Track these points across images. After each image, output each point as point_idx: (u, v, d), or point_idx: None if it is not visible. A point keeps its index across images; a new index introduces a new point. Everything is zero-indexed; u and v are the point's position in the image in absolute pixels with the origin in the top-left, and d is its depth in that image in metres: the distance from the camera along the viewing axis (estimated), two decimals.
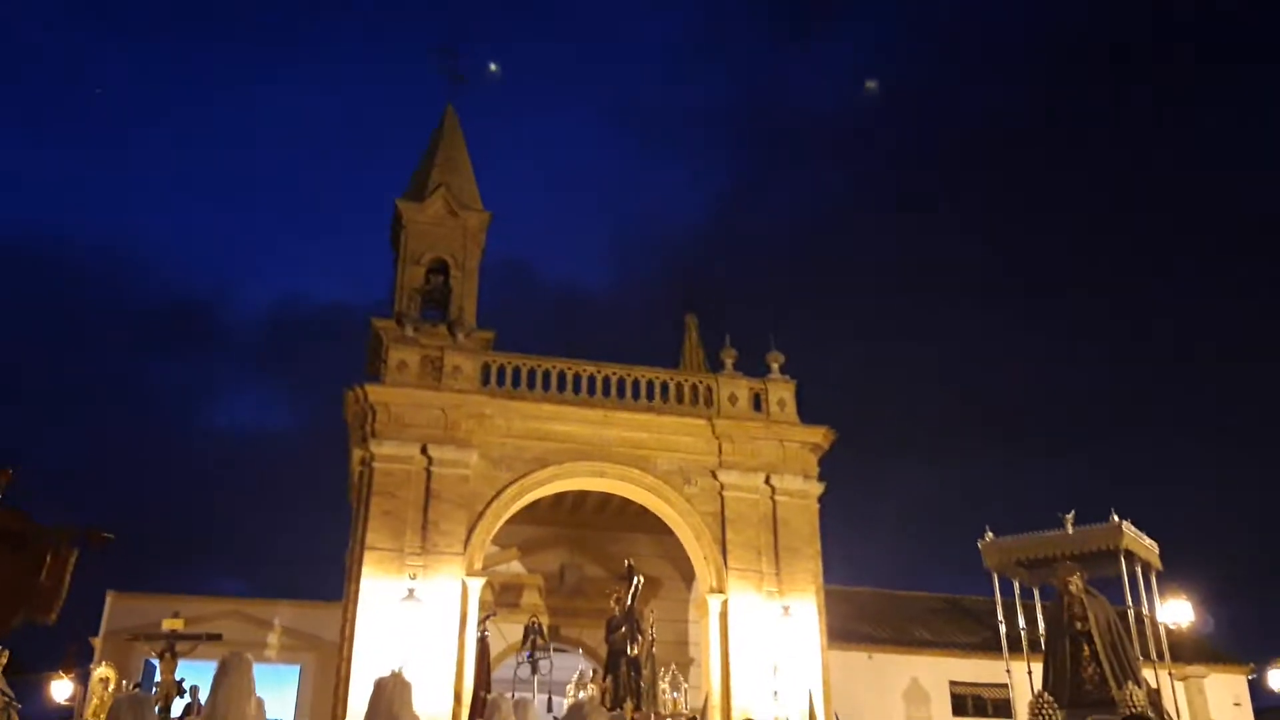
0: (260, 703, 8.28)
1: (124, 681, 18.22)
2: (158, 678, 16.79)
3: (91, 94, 76.31)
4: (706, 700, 20.33)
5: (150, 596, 22.99)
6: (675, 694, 18.78)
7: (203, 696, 16.68)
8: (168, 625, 17.08)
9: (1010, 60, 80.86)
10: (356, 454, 21.13)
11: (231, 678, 7.42)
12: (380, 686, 8.59)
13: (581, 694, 16.94)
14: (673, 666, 19.82)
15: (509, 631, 23.04)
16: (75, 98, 77.01)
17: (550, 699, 16.85)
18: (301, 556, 57.49)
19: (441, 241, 25.94)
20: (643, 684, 18.58)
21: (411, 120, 59.14)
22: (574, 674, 18.83)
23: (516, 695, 11.07)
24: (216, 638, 17.04)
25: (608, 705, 17.13)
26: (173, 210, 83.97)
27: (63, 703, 20.92)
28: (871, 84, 67.74)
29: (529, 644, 17.44)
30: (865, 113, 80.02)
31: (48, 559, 4.76)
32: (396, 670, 8.94)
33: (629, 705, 17.44)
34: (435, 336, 23.21)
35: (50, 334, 67.94)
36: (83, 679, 20.29)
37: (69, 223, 78.71)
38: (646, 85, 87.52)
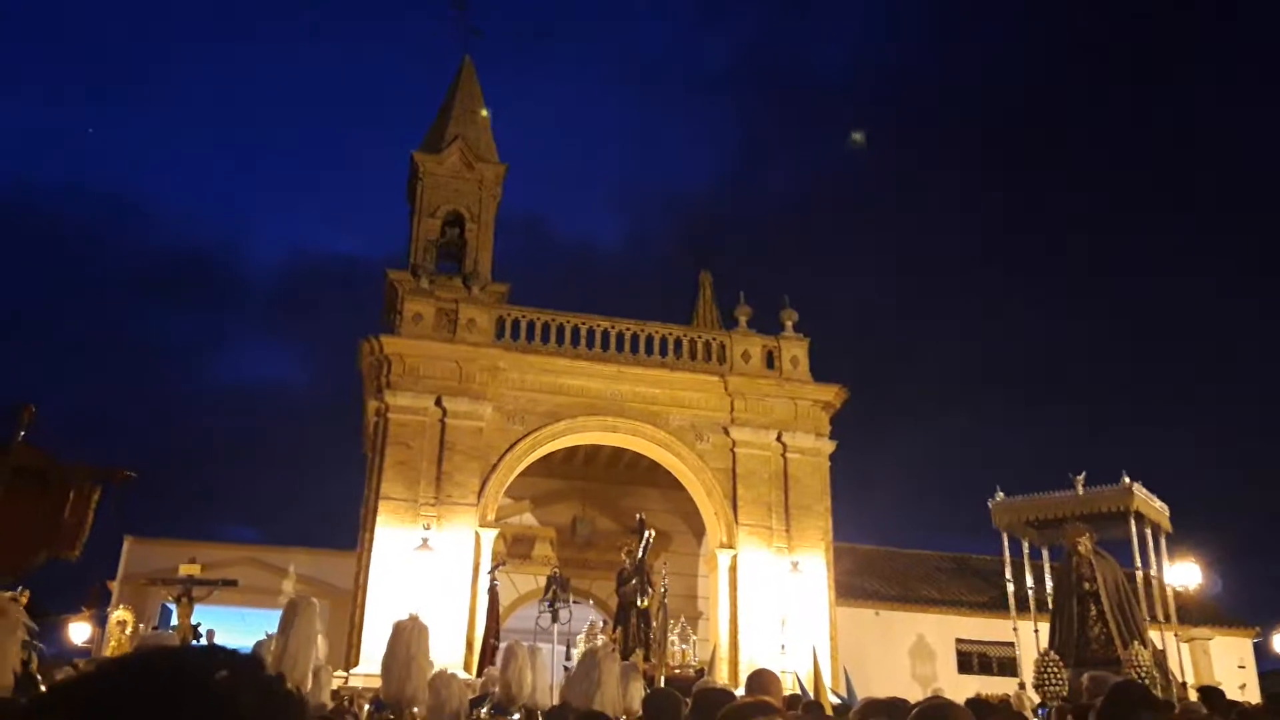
0: (325, 643, 8.43)
1: (141, 625, 18.52)
2: (174, 622, 17.03)
3: (101, 46, 75.93)
4: (715, 653, 20.54)
5: (167, 542, 23.29)
6: (684, 646, 18.97)
7: (219, 641, 16.99)
8: (184, 570, 17.26)
9: (1019, 23, 79.94)
10: (371, 405, 21.27)
11: (300, 619, 7.51)
12: (399, 629, 8.69)
13: (594, 642, 17.12)
14: (682, 619, 20.00)
15: (520, 582, 23.29)
16: (85, 48, 76.67)
17: (568, 649, 17.05)
18: (316, 505, 57.98)
19: (457, 194, 25.90)
20: (652, 636, 18.76)
21: (428, 72, 58.94)
22: (585, 625, 19.03)
23: (529, 643, 11.20)
24: (233, 584, 17.26)
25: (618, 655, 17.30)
26: (186, 160, 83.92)
27: (81, 644, 21.27)
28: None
29: (550, 593, 17.64)
30: (878, 73, 79.32)
31: (71, 496, 4.84)
32: (414, 614, 9.04)
33: (638, 656, 17.61)
34: (450, 289, 23.26)
35: (66, 284, 68.30)
36: (100, 621, 20.62)
37: (82, 174, 78.89)
38: (662, 42, 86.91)
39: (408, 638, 8.55)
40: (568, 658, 15.81)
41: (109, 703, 1.04)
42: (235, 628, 19.37)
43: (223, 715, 1.06)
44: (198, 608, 16.70)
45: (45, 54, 74.94)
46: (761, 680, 6.29)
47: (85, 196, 72.37)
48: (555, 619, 16.73)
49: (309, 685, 7.72)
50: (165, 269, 73.72)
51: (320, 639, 7.68)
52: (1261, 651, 27.74)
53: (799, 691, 15.62)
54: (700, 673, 17.93)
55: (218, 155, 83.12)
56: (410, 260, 24.97)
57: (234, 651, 1.16)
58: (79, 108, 77.00)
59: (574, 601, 20.10)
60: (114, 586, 22.95)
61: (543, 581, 19.60)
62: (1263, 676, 26.48)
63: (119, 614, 19.09)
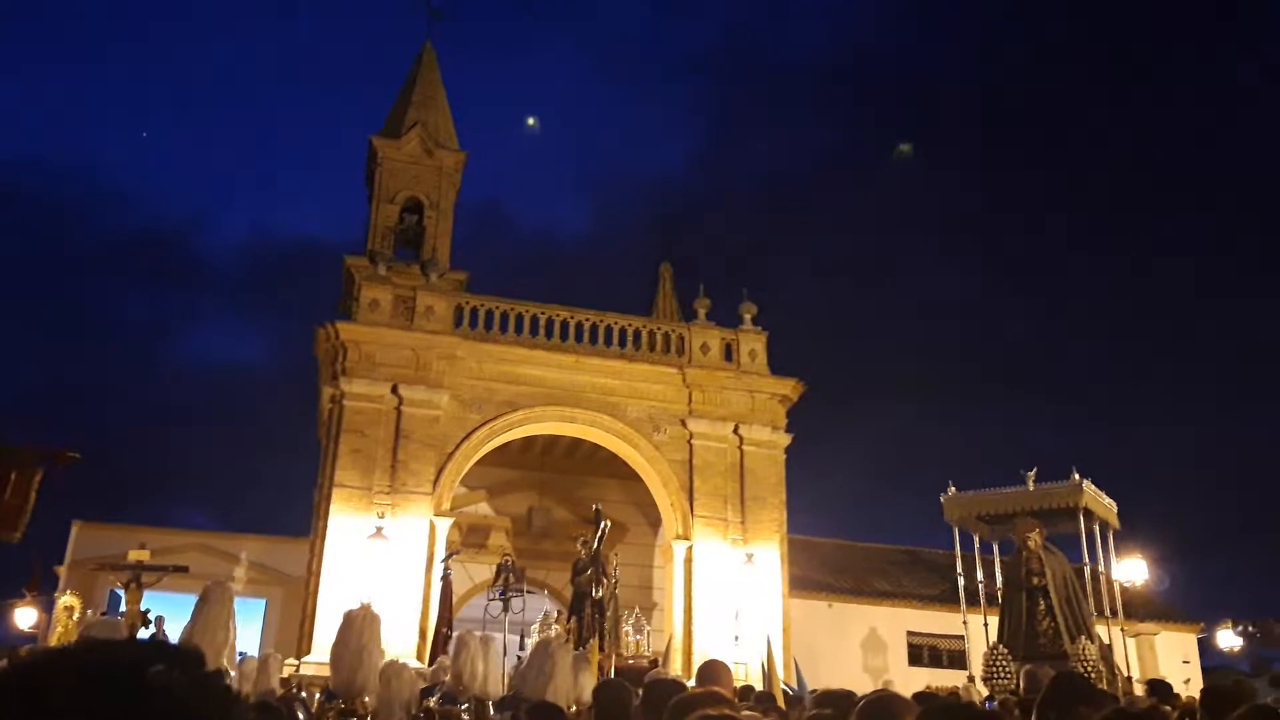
0: (235, 628, 8.32)
1: (89, 610, 18.26)
2: (123, 608, 16.82)
3: (64, 19, 74.66)
4: (669, 643, 20.61)
5: (116, 527, 22.96)
6: (638, 636, 19.03)
7: (167, 628, 16.81)
8: (134, 556, 17.04)
9: (994, 12, 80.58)
10: (327, 391, 21.09)
11: (212, 606, 7.44)
12: (350, 619, 8.64)
13: (547, 633, 17.11)
14: (636, 610, 20.05)
15: (474, 571, 23.22)
16: (49, 22, 75.31)
17: (522, 638, 17.05)
18: (269, 492, 57.35)
19: (416, 180, 25.72)
20: (606, 626, 18.79)
21: (390, 55, 58.47)
22: (539, 615, 19.02)
23: (482, 633, 11.16)
24: (183, 570, 17.07)
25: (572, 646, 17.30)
26: (145, 138, 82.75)
27: (27, 629, 20.93)
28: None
29: (502, 581, 17.60)
30: (846, 65, 79.68)
31: (12, 477, 4.75)
32: (366, 603, 8.99)
33: (592, 646, 17.63)
34: (408, 276, 23.08)
35: (19, 261, 67.06)
36: (47, 606, 20.31)
37: (39, 149, 77.62)
38: (629, 29, 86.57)
39: (359, 627, 8.51)
40: (521, 647, 15.78)
41: (42, 694, 1.03)
42: (185, 615, 19.13)
43: (156, 707, 1.05)
44: (147, 594, 16.50)
45: (3, 26, 73.49)
46: (712, 671, 6.29)
47: (43, 172, 71.15)
48: (507, 608, 16.68)
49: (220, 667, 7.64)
50: (121, 246, 72.67)
51: (233, 624, 7.60)
52: (1205, 647, 28.25)
53: (762, 682, 15.70)
54: (654, 663, 17.99)
55: (179, 131, 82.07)
56: (368, 246, 24.75)
57: (171, 645, 1.15)
58: (39, 81, 75.75)
59: (526, 590, 20.07)
60: (61, 571, 22.61)
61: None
62: (1207, 672, 26.92)
63: (66, 599, 18.80)
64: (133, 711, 1.04)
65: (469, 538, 23.73)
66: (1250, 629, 27.31)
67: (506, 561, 18.33)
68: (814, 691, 9.35)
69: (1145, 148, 70.75)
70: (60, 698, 1.02)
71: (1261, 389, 62.46)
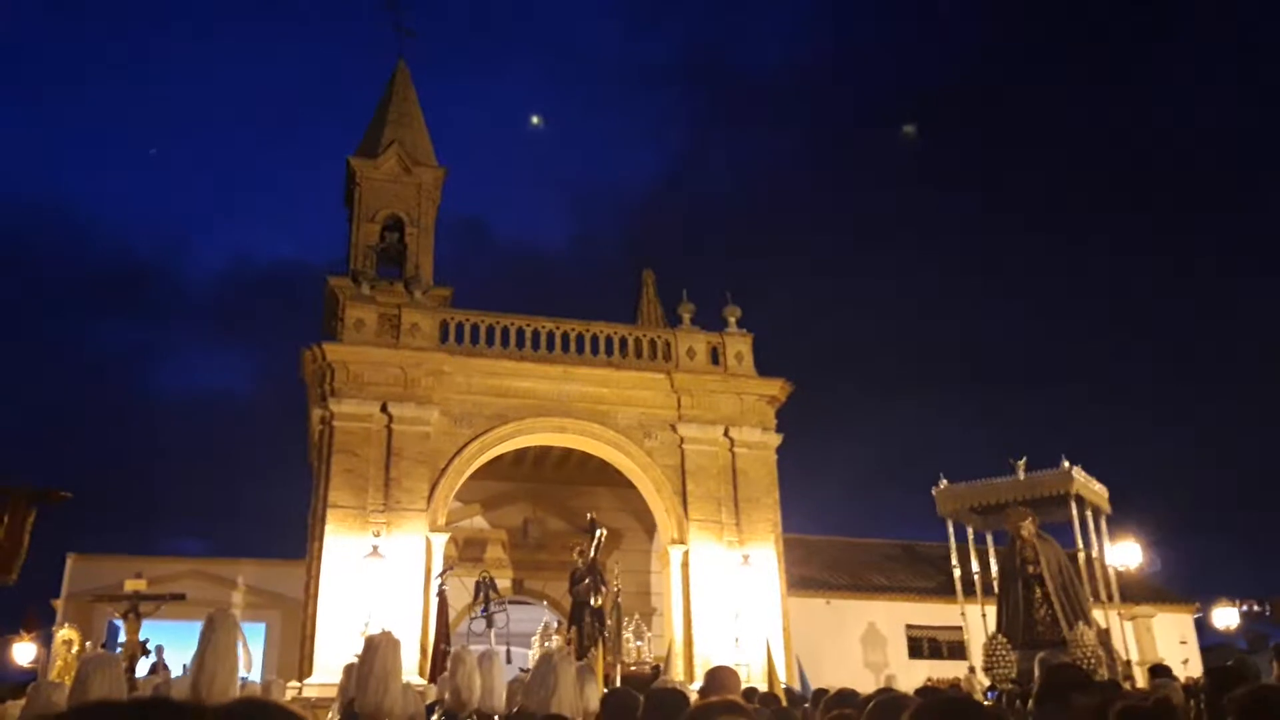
0: (248, 654, 8.27)
1: (87, 643, 18.21)
2: (122, 638, 16.78)
3: (32, 52, 74.33)
4: (670, 648, 20.63)
5: (111, 558, 22.91)
6: (639, 643, 19.04)
7: (168, 656, 16.78)
8: (130, 586, 17.02)
9: (965, 16, 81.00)
10: (316, 413, 21.06)
11: (218, 634, 7.37)
12: (372, 645, 8.59)
13: (548, 644, 17.14)
14: (636, 616, 20.07)
15: (471, 586, 23.24)
16: (16, 55, 75.03)
17: (509, 650, 17.06)
18: (263, 516, 57.18)
19: (396, 198, 25.72)
20: (607, 634, 18.80)
21: (364, 75, 58.42)
22: (538, 626, 19.03)
23: (485, 648, 11.17)
24: (180, 598, 17.05)
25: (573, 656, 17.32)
26: (121, 167, 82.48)
27: (26, 665, 20.86)
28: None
29: (480, 599, 17.62)
30: (820, 69, 79.99)
31: (5, 518, 4.76)
32: (386, 630, 8.98)
33: (594, 655, 17.66)
34: (392, 294, 23.08)
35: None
36: (45, 641, 20.23)
37: (14, 182, 77.17)
38: (602, 40, 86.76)
39: (383, 653, 8.48)
40: (508, 659, 15.79)
41: None
42: (184, 642, 19.07)
43: None
44: (146, 623, 16.47)
45: None
46: (721, 677, 6.28)
47: (18, 204, 70.84)
48: (490, 624, 16.67)
49: (233, 696, 7.61)
50: (103, 278, 72.46)
51: (243, 650, 7.56)
52: (1202, 627, 28.42)
53: (766, 682, 15.74)
54: (656, 669, 18.01)
55: (156, 161, 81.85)
56: (350, 266, 24.75)
57: (164, 702, 1.13)
58: (10, 114, 75.46)
59: (519, 602, 20.04)
60: (58, 604, 22.54)
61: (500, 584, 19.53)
62: (1205, 651, 27.09)
63: (64, 633, 18.73)
64: None
65: (465, 552, 23.71)
66: (1259, 607, 27.36)
67: (484, 579, 18.34)
68: (822, 691, 9.40)
69: (1130, 145, 71.14)
70: None
71: (1249, 373, 62.82)
